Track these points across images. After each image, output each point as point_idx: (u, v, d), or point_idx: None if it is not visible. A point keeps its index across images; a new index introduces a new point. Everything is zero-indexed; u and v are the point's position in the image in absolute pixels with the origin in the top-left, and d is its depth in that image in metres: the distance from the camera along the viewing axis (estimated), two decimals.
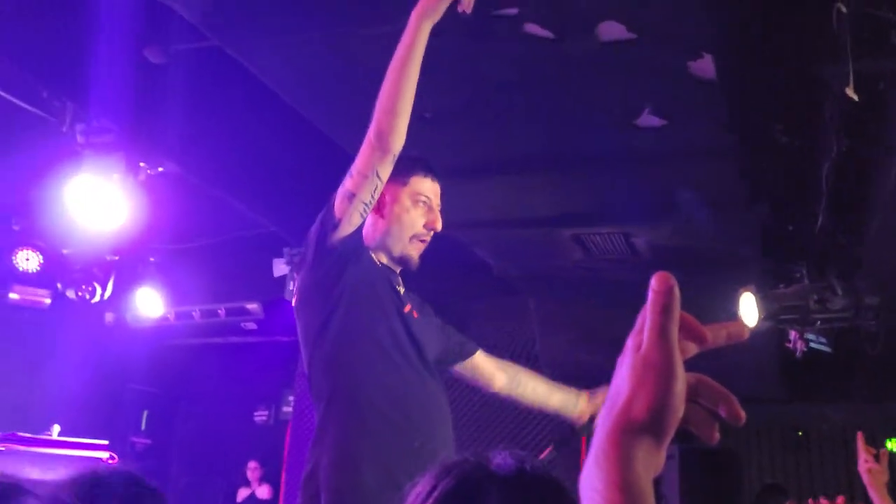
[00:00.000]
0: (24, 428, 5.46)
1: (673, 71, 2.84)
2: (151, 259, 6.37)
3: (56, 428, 5.42)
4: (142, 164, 4.00)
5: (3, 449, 5.30)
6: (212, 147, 4.08)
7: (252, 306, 7.11)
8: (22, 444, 5.24)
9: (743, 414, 0.73)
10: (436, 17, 2.01)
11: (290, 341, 7.06)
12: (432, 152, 4.06)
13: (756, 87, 3.04)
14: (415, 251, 2.26)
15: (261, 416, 8.89)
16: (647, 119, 3.22)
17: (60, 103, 3.67)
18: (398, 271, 2.30)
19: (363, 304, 2.16)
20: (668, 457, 5.08)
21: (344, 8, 2.72)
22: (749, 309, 4.43)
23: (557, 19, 2.60)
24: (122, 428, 8.19)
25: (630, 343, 0.71)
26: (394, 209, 2.24)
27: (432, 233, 2.26)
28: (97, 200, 4.01)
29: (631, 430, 0.66)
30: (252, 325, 7.44)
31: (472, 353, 2.50)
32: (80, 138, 3.76)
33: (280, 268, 6.07)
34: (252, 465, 8.13)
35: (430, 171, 2.31)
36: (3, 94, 3.50)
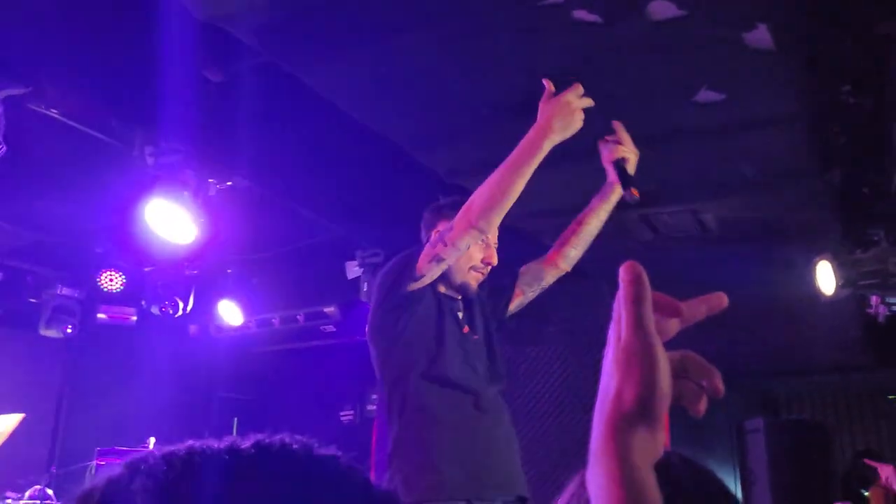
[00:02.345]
0: (121, 442, 5.71)
1: (729, 44, 2.79)
2: (229, 271, 6.56)
3: (152, 440, 5.65)
4: (210, 181, 4.13)
5: (103, 464, 5.55)
6: (277, 158, 4.18)
7: (329, 309, 7.24)
8: (121, 457, 5.48)
9: (721, 388, 0.75)
10: (561, 139, 2.26)
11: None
12: (491, 147, 4.08)
13: (816, 51, 2.95)
14: (473, 281, 2.49)
15: (346, 415, 9.04)
16: (706, 95, 3.16)
17: (129, 129, 3.82)
18: (459, 298, 2.52)
19: (422, 339, 2.39)
20: (754, 431, 5.00)
21: (393, 19, 2.76)
22: (826, 277, 4.31)
23: (605, 2, 2.59)
24: (215, 436, 8.41)
25: (611, 335, 0.72)
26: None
27: (489, 266, 2.49)
28: (172, 219, 4.16)
29: (624, 422, 0.68)
30: (331, 328, 7.58)
31: (515, 284, 2.67)
32: (150, 161, 3.90)
33: (353, 270, 6.17)
34: None
35: None
36: (76, 125, 3.66)
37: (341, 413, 8.97)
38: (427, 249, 2.32)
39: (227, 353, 7.71)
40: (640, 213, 4.60)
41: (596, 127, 3.78)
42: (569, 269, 2.66)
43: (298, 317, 7.37)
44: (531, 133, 2.24)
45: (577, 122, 2.23)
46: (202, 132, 3.71)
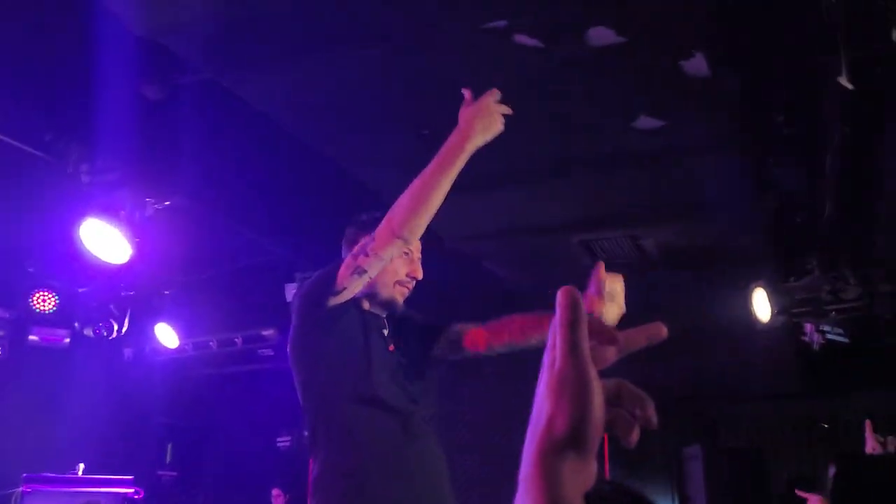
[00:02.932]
0: (50, 467, 5.50)
1: (667, 71, 2.85)
2: (165, 292, 6.41)
3: (81, 466, 5.45)
4: (148, 200, 4.04)
5: (29, 490, 5.34)
6: (217, 177, 4.11)
7: (268, 332, 7.12)
8: (48, 484, 5.27)
9: (654, 418, 0.75)
10: (482, 142, 2.19)
11: None
12: None
13: (752, 80, 3.04)
14: (399, 296, 2.41)
15: (283, 441, 8.89)
16: (646, 121, 3.22)
17: (65, 145, 3.71)
18: (384, 315, 2.44)
19: (347, 358, 2.30)
20: (692, 457, 5.04)
21: (335, 31, 2.74)
22: (762, 304, 4.40)
23: (546, 28, 2.62)
24: (148, 462, 8.20)
25: (545, 361, 0.71)
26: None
27: (414, 281, 2.41)
28: (107, 238, 4.05)
29: (554, 450, 0.67)
30: (269, 352, 7.45)
31: (447, 332, 2.54)
32: (85, 178, 3.80)
33: (292, 292, 6.09)
34: (275, 491, 8.10)
35: None
36: (7, 139, 3.55)
37: (278, 439, 8.81)
38: (348, 261, 2.23)
39: (162, 376, 7.51)
40: (580, 239, 4.66)
41: (540, 150, 3.85)
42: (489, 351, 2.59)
43: (236, 339, 7.23)
44: (452, 137, 2.18)
45: (498, 125, 2.19)
46: (140, 150, 3.63)
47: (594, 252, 4.75)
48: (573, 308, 0.69)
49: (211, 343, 7.25)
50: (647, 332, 0.80)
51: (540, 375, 0.71)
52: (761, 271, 4.59)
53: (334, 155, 3.68)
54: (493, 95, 2.16)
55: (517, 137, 3.82)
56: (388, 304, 2.41)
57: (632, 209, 4.22)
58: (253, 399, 8.33)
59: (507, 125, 3.25)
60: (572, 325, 0.69)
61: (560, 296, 0.70)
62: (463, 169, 3.75)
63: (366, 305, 2.41)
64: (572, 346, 0.69)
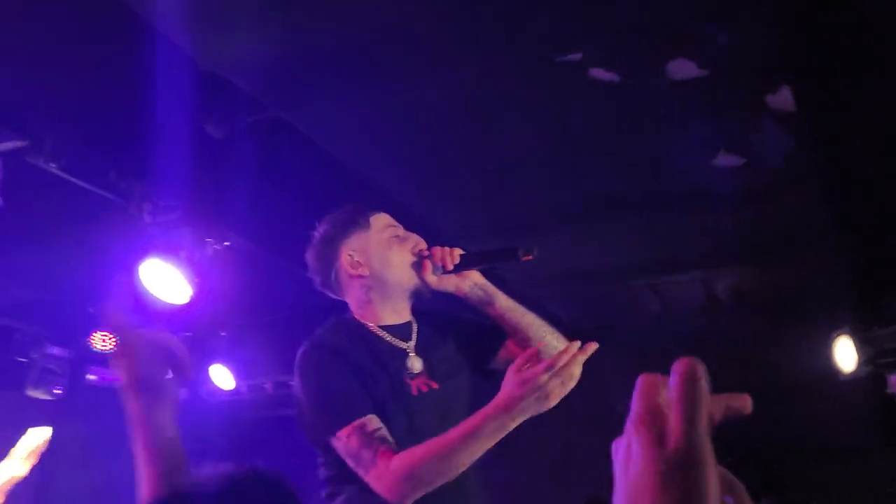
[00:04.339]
0: None
1: (749, 105, 2.71)
2: (222, 333, 6.40)
3: None
4: (208, 240, 4.01)
5: None
6: (276, 217, 4.07)
7: None
8: None
9: None
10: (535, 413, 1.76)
11: None
12: (496, 207, 4.00)
13: (837, 115, 2.88)
14: (417, 277, 2.04)
15: None
16: (725, 158, 3.08)
17: (127, 184, 3.71)
18: (408, 321, 2.07)
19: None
20: None
21: (403, 64, 2.67)
22: (846, 353, 4.15)
23: (623, 61, 2.51)
24: None
25: (639, 438, 0.59)
26: (374, 260, 2.06)
27: (427, 250, 2.05)
28: (166, 279, 4.02)
29: None
30: None
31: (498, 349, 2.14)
32: (147, 218, 3.78)
33: None
34: None
35: (371, 208, 2.17)
36: (72, 178, 3.56)
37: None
38: (346, 449, 1.85)
39: (216, 418, 7.49)
40: (647, 282, 4.49)
41: (611, 187, 3.71)
42: None
43: (291, 382, 7.18)
44: (493, 405, 1.73)
45: (554, 399, 1.71)
46: (200, 189, 3.60)
47: (662, 296, 4.57)
48: (696, 380, 0.60)
49: (266, 385, 7.21)
50: (729, 403, 0.68)
51: (618, 448, 0.62)
52: (841, 317, 4.36)
53: (397, 190, 3.60)
54: (564, 357, 1.71)
55: (584, 175, 3.72)
56: (415, 294, 2.05)
57: (703, 250, 4.04)
58: (303, 442, 8.28)
59: (573, 162, 3.13)
60: (694, 399, 0.59)
61: (680, 366, 0.61)
62: (526, 207, 3.61)
63: (371, 325, 2.03)
64: (692, 422, 0.58)
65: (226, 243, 4.28)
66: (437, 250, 2.01)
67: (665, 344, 5.04)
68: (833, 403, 5.54)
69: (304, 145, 3.15)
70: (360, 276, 2.05)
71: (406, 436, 1.88)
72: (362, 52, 2.54)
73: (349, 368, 1.94)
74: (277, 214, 4.03)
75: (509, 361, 1.90)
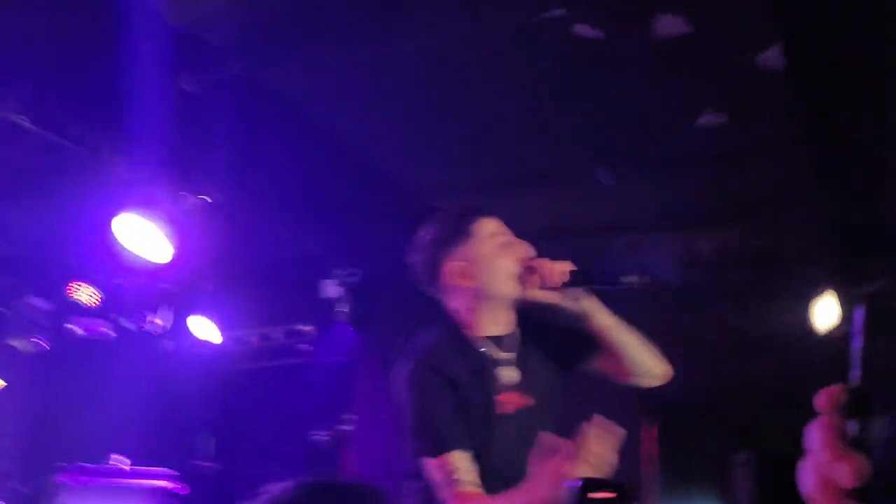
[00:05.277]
0: (89, 459, 5.47)
1: (735, 65, 2.65)
2: (206, 287, 6.36)
3: (116, 457, 5.41)
4: (184, 194, 3.95)
5: (65, 481, 5.31)
6: (253, 173, 4.01)
7: (306, 328, 7.07)
8: (88, 476, 5.23)
9: None
10: None
11: (346, 361, 7.02)
12: (481, 168, 3.95)
13: (824, 76, 2.83)
14: (522, 287, 2.02)
15: (319, 435, 8.87)
16: (708, 117, 3.03)
17: (100, 139, 3.63)
18: (512, 331, 2.07)
19: None
20: (741, 464, 4.87)
21: (382, 23, 2.59)
22: (827, 311, 4.17)
23: (607, 17, 2.44)
24: (188, 454, 8.22)
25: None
26: (481, 271, 2.03)
27: (534, 261, 2.02)
28: (144, 233, 3.97)
29: None
30: (307, 347, 7.40)
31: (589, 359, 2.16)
32: (121, 172, 3.72)
33: (330, 289, 6.00)
34: None
35: (479, 211, 2.13)
36: (43, 132, 3.47)
37: (313, 432, 8.78)
38: (430, 476, 1.91)
39: (203, 370, 7.49)
40: (629, 240, 4.47)
41: (593, 147, 3.68)
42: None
43: (276, 334, 7.19)
44: (522, 494, 1.80)
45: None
46: (176, 144, 3.53)
47: (643, 253, 4.56)
48: None
49: (252, 338, 7.21)
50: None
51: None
52: (822, 276, 4.37)
53: (377, 151, 3.54)
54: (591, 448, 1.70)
55: (566, 134, 3.67)
56: (521, 303, 2.04)
57: (686, 208, 4.02)
58: (290, 394, 8.31)
59: (555, 121, 3.08)
60: None
61: None
62: (508, 167, 3.57)
63: (484, 330, 2.02)
64: None
65: (204, 198, 4.22)
66: (545, 265, 1.99)
67: (647, 301, 5.06)
68: (812, 359, 5.59)
69: (279, 102, 3.08)
70: (467, 288, 2.03)
71: (502, 451, 1.95)
72: (339, 11, 2.46)
73: (450, 394, 1.96)
74: (253, 169, 3.96)
75: (598, 371, 2.08)
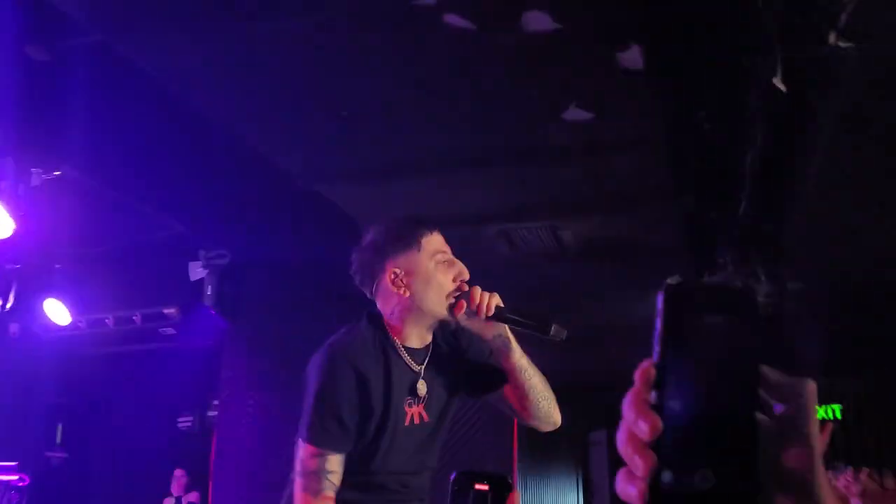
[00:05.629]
0: None
1: (600, 62, 2.74)
2: (57, 266, 6.02)
3: None
4: (34, 170, 3.71)
5: None
6: (112, 147, 3.81)
7: (170, 311, 6.81)
8: None
9: None
10: None
11: (212, 345, 6.81)
12: (352, 151, 3.92)
13: (683, 77, 2.96)
14: (451, 309, 2.06)
15: (185, 422, 8.59)
16: (574, 112, 3.11)
17: None
18: (428, 344, 2.13)
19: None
20: (598, 442, 5.12)
21: (246, 5, 2.51)
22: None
23: (479, 10, 2.46)
24: (35, 443, 7.80)
25: None
26: (418, 284, 2.05)
27: (466, 286, 2.04)
28: None
29: None
30: (171, 331, 7.14)
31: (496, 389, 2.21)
32: None
33: (196, 271, 5.81)
34: (178, 472, 7.86)
35: (429, 226, 2.13)
36: None
37: (180, 419, 8.50)
38: (302, 460, 1.97)
39: (53, 354, 7.10)
40: (498, 228, 4.55)
41: (463, 136, 3.72)
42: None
43: (135, 317, 6.88)
44: None
45: None
46: (24, 116, 3.29)
47: (513, 242, 4.66)
48: None
49: (107, 320, 6.89)
50: None
51: None
52: (676, 266, 4.59)
53: (250, 134, 3.44)
54: None
55: (437, 123, 3.69)
56: (443, 324, 2.10)
57: (553, 200, 4.13)
58: (153, 379, 8.00)
59: (427, 110, 3.09)
60: None
61: None
62: (379, 154, 3.58)
63: (407, 341, 2.08)
64: None
65: (56, 173, 3.99)
66: (476, 293, 2.00)
67: (515, 287, 5.18)
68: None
69: (139, 76, 2.92)
70: (399, 296, 2.05)
71: (385, 455, 2.01)
72: None
73: (356, 393, 1.99)
74: (112, 145, 3.76)
75: (499, 406, 2.17)
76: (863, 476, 3.78)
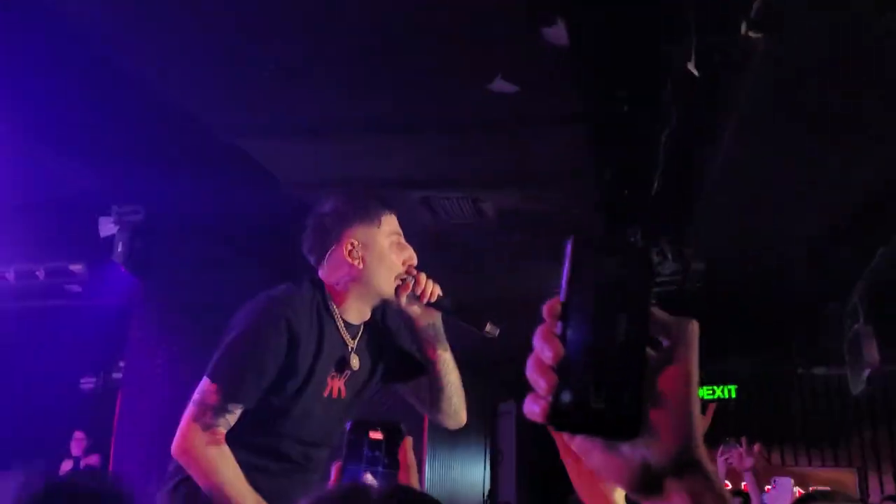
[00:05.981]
0: None
1: (526, 38, 2.80)
2: None
3: None
4: None
5: None
6: (19, 91, 3.65)
7: (76, 267, 6.60)
8: None
9: None
10: None
11: (119, 305, 6.63)
12: (270, 109, 3.88)
13: (605, 58, 3.06)
14: (397, 290, 2.10)
15: (87, 383, 8.36)
16: (500, 84, 3.18)
17: None
18: (365, 321, 2.15)
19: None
20: (506, 413, 5.28)
21: None
22: None
23: None
24: None
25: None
26: (372, 259, 2.08)
27: (414, 271, 2.09)
28: None
29: None
30: (76, 288, 6.91)
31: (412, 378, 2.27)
32: None
33: (107, 227, 5.65)
34: (78, 434, 7.66)
35: (390, 206, 2.17)
36: None
37: (82, 380, 8.27)
38: (203, 393, 1.95)
39: None
40: (421, 196, 4.60)
41: (389, 102, 3.73)
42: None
43: (38, 272, 6.64)
44: None
45: None
46: None
47: (434, 210, 4.72)
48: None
49: (7, 274, 6.63)
50: None
51: None
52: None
53: (163, 84, 3.36)
54: None
55: (364, 87, 3.70)
56: (386, 303, 2.12)
57: (475, 171, 4.21)
58: (55, 337, 7.74)
59: (354, 74, 3.11)
60: None
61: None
62: (304, 115, 3.57)
63: (347, 316, 2.10)
64: None
65: None
66: (422, 279, 2.05)
67: (436, 254, 5.25)
68: None
69: (44, 15, 2.80)
70: (352, 267, 2.06)
71: (295, 422, 2.03)
72: None
73: (284, 351, 1.98)
74: (19, 88, 3.61)
75: (411, 395, 2.21)
76: (756, 449, 4.03)
